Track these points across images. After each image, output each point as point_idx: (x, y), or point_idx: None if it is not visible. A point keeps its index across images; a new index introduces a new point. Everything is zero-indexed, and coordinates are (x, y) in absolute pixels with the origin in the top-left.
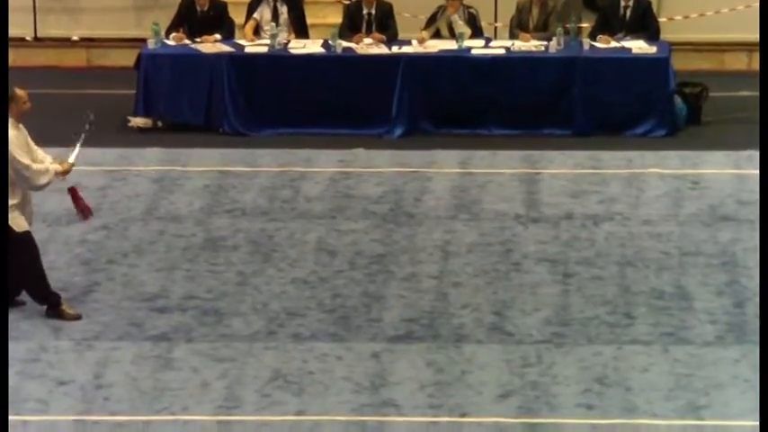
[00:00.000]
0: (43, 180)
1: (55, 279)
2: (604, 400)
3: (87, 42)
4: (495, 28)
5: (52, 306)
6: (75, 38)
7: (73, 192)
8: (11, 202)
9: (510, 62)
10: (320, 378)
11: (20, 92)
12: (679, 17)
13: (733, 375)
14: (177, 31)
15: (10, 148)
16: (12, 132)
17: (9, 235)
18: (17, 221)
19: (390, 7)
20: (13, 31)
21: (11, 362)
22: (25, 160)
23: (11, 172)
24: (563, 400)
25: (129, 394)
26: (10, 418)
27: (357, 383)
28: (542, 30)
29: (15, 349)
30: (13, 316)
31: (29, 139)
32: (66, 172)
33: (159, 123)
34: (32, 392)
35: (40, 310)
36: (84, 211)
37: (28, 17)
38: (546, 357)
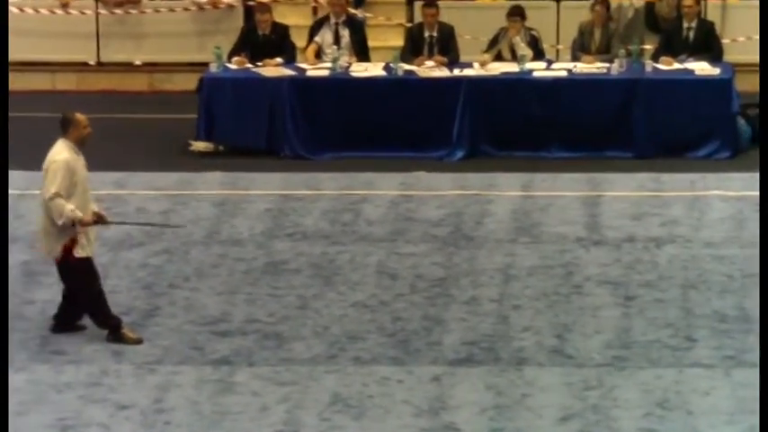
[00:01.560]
0: (58, 220)
1: (116, 303)
2: (666, 424)
3: (149, 67)
4: (557, 50)
5: (113, 330)
6: (137, 62)
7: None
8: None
9: (572, 84)
10: (380, 402)
11: (80, 116)
12: (742, 38)
13: None
14: (239, 55)
15: (52, 170)
16: (66, 155)
17: (69, 261)
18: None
19: (452, 30)
20: (76, 56)
21: (73, 386)
22: (53, 188)
23: (44, 190)
24: (624, 423)
25: (190, 418)
26: None
27: (417, 407)
28: (605, 52)
29: (77, 373)
30: (74, 340)
31: (84, 169)
32: (85, 224)
33: (221, 147)
34: (94, 417)
35: (101, 334)
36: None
37: (91, 42)
38: (607, 380)
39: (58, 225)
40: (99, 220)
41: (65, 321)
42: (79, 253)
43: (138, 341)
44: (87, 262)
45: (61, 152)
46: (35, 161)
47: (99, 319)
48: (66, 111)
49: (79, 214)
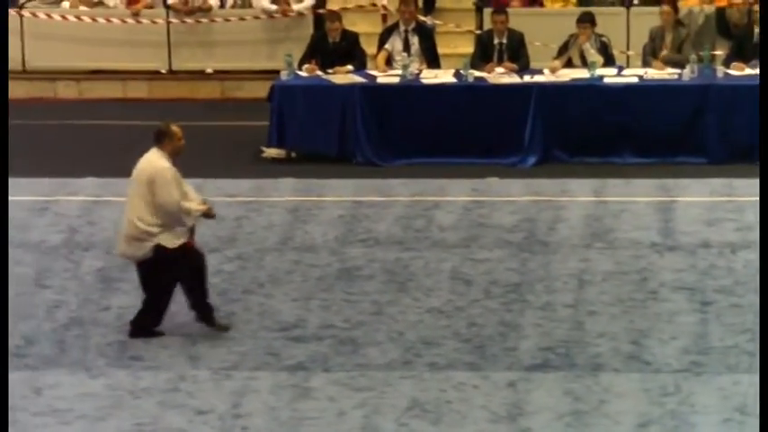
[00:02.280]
0: (189, 221)
1: None
2: (745, 430)
3: (221, 75)
4: (628, 56)
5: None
6: (208, 70)
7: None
8: (157, 222)
9: (643, 90)
10: (457, 407)
11: (176, 128)
12: None
13: None
14: (310, 63)
15: (164, 180)
16: (166, 165)
17: (161, 253)
18: (173, 237)
19: (522, 36)
20: (148, 65)
21: (151, 392)
22: (176, 196)
23: (158, 201)
24: (703, 429)
25: (268, 424)
26: None
27: (494, 413)
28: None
29: (155, 379)
30: (151, 346)
31: (179, 175)
32: (209, 215)
33: (293, 154)
34: (172, 422)
35: (177, 340)
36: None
37: (162, 51)
38: (685, 386)
39: (168, 226)
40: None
41: (142, 326)
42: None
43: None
44: (177, 252)
45: (160, 161)
46: (107, 168)
47: (156, 311)
48: (162, 122)
49: (203, 207)
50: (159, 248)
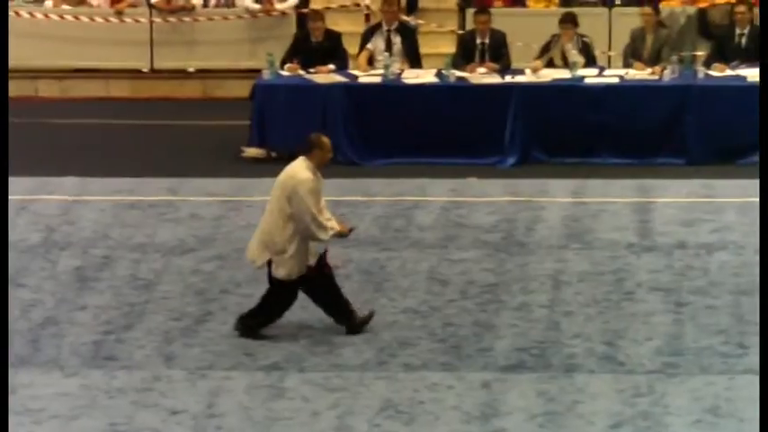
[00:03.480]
0: (323, 235)
1: (168, 308)
2: (717, 431)
3: (203, 74)
4: (609, 57)
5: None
6: (190, 69)
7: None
8: (295, 244)
9: (624, 91)
10: (431, 408)
11: (326, 140)
12: None
13: None
14: (292, 62)
15: (302, 192)
16: (309, 176)
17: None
18: (286, 267)
19: (504, 37)
20: (130, 64)
21: (125, 392)
22: (314, 209)
23: (293, 211)
24: (675, 430)
25: (242, 424)
26: None
27: (467, 413)
28: (656, 58)
29: (129, 379)
30: (126, 346)
31: (320, 189)
32: (342, 234)
33: (273, 154)
34: (146, 422)
35: (152, 340)
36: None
37: (144, 50)
38: (658, 387)
39: (304, 243)
40: (344, 228)
41: (249, 326)
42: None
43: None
44: (291, 284)
45: (304, 172)
46: (88, 167)
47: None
48: (314, 133)
49: (337, 227)
50: (278, 272)
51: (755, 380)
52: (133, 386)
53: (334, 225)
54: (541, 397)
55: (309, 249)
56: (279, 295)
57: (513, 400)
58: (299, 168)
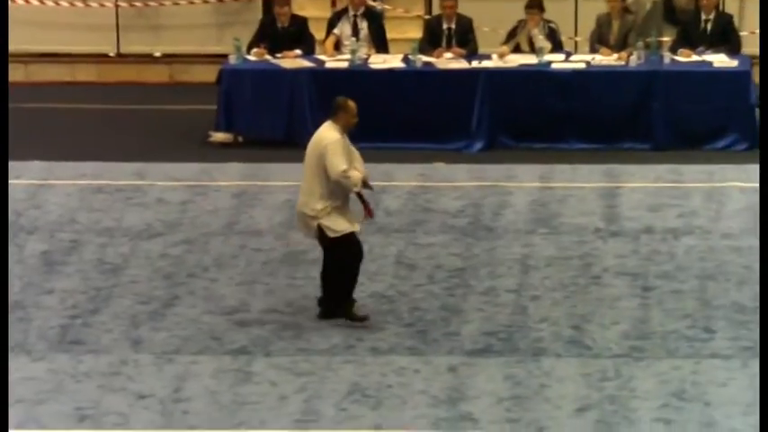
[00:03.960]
0: (353, 189)
1: (135, 293)
2: (683, 415)
3: (169, 58)
4: (576, 42)
5: (346, 308)
6: (157, 54)
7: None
8: (331, 204)
9: (590, 76)
10: (398, 392)
11: (352, 104)
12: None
13: None
14: (258, 47)
15: (329, 154)
16: (335, 137)
17: (324, 237)
18: (336, 223)
19: (470, 22)
20: (96, 48)
21: (92, 376)
22: (343, 166)
23: (328, 171)
24: (641, 414)
25: (208, 408)
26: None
27: (434, 397)
28: (623, 44)
29: (96, 363)
30: (93, 330)
31: (350, 146)
32: (367, 184)
33: (240, 138)
34: (112, 406)
35: (120, 324)
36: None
37: (111, 34)
38: (624, 371)
39: (340, 199)
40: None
41: (330, 310)
42: (338, 228)
43: (365, 318)
44: (349, 236)
45: (331, 133)
46: (54, 152)
47: (341, 294)
48: (340, 96)
49: (361, 174)
50: (322, 231)
51: (721, 364)
52: (100, 370)
53: (357, 174)
54: (508, 381)
55: (340, 217)
56: (344, 252)
57: (480, 384)
58: (326, 131)
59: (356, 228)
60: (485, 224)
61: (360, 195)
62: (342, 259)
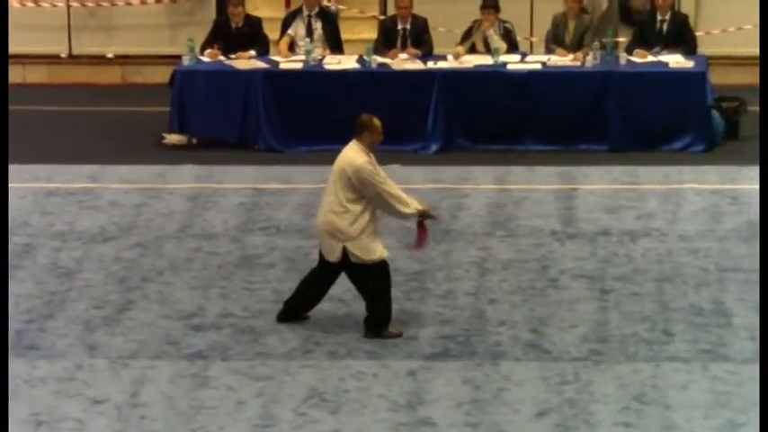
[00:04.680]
0: (406, 210)
1: (90, 297)
2: (643, 419)
3: (122, 59)
4: (531, 42)
5: (380, 331)
6: (109, 55)
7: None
8: (363, 227)
9: (546, 77)
10: (356, 396)
11: (377, 122)
12: (716, 31)
13: None
14: (212, 48)
15: (368, 176)
16: (365, 159)
17: (362, 262)
18: (370, 248)
19: (425, 22)
20: (48, 49)
21: (47, 381)
22: (386, 187)
23: (372, 198)
24: (601, 418)
25: (165, 413)
26: None
27: (393, 401)
28: (578, 44)
29: (51, 368)
30: (48, 335)
31: (377, 167)
32: (424, 214)
33: (194, 140)
34: (68, 411)
35: (75, 329)
36: (420, 241)
37: (62, 35)
38: (583, 375)
39: (373, 223)
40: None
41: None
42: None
43: (399, 335)
44: (384, 264)
45: (360, 156)
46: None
47: (380, 323)
48: (365, 114)
49: (419, 206)
50: (345, 253)
51: (680, 367)
52: (55, 375)
53: (417, 206)
54: (467, 385)
55: (368, 242)
56: (379, 276)
57: (438, 388)
58: (353, 154)
59: (386, 254)
60: (441, 227)
61: (421, 224)
62: (378, 283)
